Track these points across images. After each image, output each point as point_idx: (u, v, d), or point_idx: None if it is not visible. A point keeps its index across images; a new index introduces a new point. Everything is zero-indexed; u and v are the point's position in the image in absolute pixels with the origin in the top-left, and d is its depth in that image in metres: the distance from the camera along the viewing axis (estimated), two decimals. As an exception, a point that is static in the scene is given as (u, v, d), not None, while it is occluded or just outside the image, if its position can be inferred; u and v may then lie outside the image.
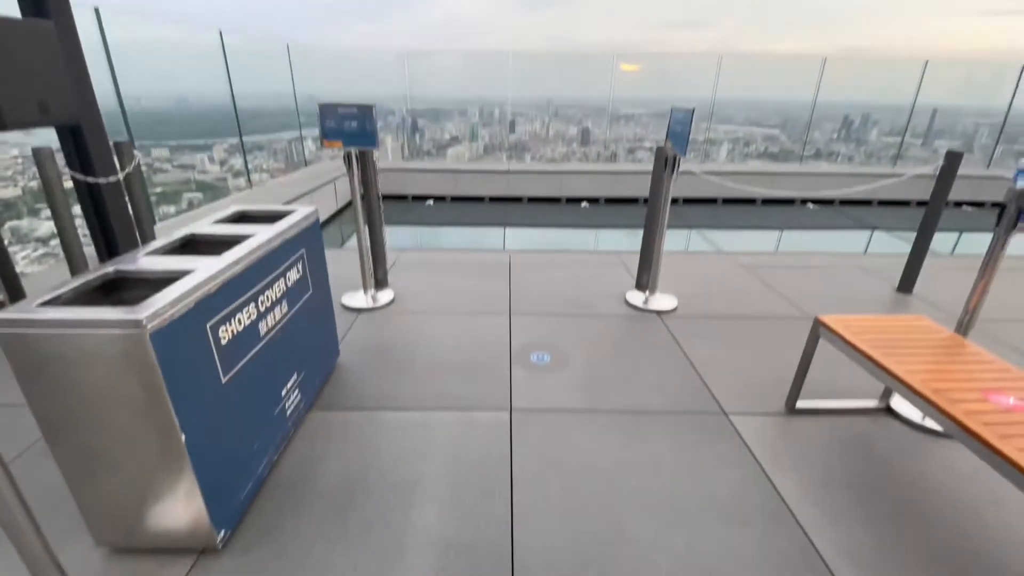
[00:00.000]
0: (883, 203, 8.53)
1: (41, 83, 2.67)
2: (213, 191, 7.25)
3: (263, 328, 1.55)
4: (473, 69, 11.51)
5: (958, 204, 8.54)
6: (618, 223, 7.71)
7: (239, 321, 1.41)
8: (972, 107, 11.87)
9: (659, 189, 2.90)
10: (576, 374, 2.28)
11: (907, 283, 3.24)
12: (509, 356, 2.42)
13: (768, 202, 8.50)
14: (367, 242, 2.97)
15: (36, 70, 2.63)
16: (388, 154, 10.68)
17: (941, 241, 4.93)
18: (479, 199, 8.87)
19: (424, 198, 8.87)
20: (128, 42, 4.84)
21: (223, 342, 1.33)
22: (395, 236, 6.54)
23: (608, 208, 8.67)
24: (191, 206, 6.76)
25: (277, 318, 1.64)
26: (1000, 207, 1.80)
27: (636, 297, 3.08)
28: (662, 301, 3.02)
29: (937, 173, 3.03)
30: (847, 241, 7.00)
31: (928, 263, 3.22)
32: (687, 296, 3.10)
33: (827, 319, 1.88)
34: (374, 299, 3.00)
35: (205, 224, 1.78)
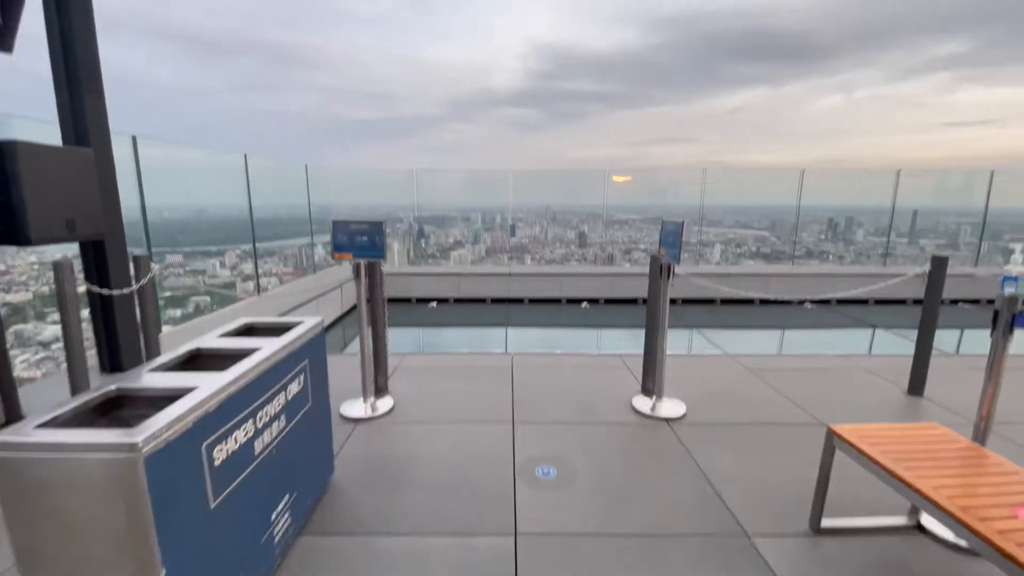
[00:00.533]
0: (879, 302, 8.66)
1: (72, 203, 2.89)
2: (220, 297, 7.43)
3: (259, 446, 1.50)
4: (476, 183, 12.43)
5: (954, 302, 8.66)
6: (619, 323, 7.77)
7: (235, 439, 1.37)
8: (951, 208, 12.55)
9: (656, 294, 2.97)
10: (585, 491, 2.16)
11: (916, 385, 3.18)
12: (513, 470, 2.31)
13: (766, 301, 8.64)
14: (370, 349, 2.98)
15: (69, 191, 2.86)
16: (395, 259, 11.12)
17: (943, 339, 4.94)
18: (481, 300, 9.04)
19: (428, 300, 9.05)
20: (158, 161, 5.27)
21: (217, 463, 1.28)
22: (398, 339, 6.58)
23: (608, 308, 8.79)
24: (198, 310, 6.87)
25: (274, 434, 1.60)
26: (995, 312, 1.84)
27: (643, 403, 3.01)
28: (670, 407, 2.94)
29: (927, 275, 3.13)
30: (848, 341, 6.99)
31: (935, 363, 3.19)
32: (695, 401, 3.04)
33: (841, 429, 1.83)
34: (373, 408, 2.93)
35: (211, 337, 1.80)
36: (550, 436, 2.64)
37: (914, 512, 1.93)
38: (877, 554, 1.77)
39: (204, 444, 1.23)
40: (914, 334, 3.22)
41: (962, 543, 1.77)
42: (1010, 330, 1.79)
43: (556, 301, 9.05)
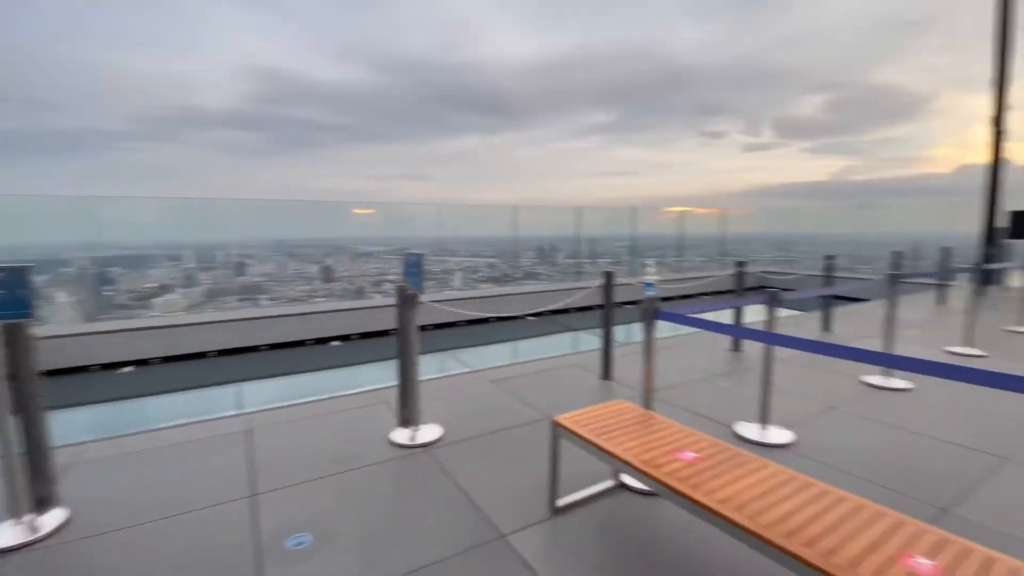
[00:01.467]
0: (579, 309, 10.90)
1: None
2: None
3: None
4: (186, 214, 10.38)
5: (621, 304, 11.58)
6: (374, 357, 7.58)
7: None
8: (615, 235, 16.78)
9: (404, 324, 3.03)
10: (346, 548, 2.00)
11: (607, 372, 4.09)
12: (257, 553, 1.96)
13: (501, 318, 9.83)
14: (16, 447, 2.12)
15: None
16: (60, 315, 8.25)
17: (621, 333, 6.49)
18: (200, 355, 7.52)
19: (119, 365, 7.00)
20: None
21: None
22: (72, 424, 4.87)
23: (362, 343, 8.50)
24: None
25: None
26: (642, 309, 2.52)
27: (402, 435, 2.99)
28: (428, 433, 3.01)
29: (603, 286, 4.09)
30: (561, 343, 8.52)
31: (617, 352, 4.17)
32: (451, 422, 3.19)
33: (561, 419, 2.19)
34: (32, 529, 2.08)
35: None
36: (302, 499, 2.36)
37: (616, 473, 2.46)
38: (599, 515, 2.18)
39: None
40: (601, 332, 4.15)
41: (648, 489, 2.34)
42: (652, 320, 2.48)
43: (301, 344, 8.26)
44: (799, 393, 3.69)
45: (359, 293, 11.75)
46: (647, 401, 2.53)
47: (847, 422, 3.19)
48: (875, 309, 6.94)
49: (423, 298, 3.02)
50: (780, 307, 3.14)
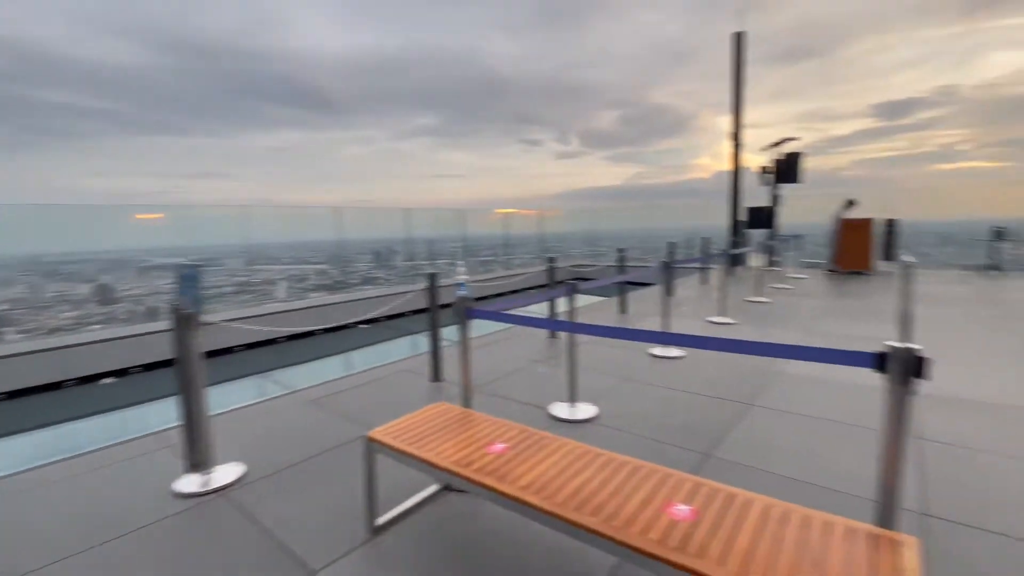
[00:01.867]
0: (414, 312, 10.73)
1: None
2: None
3: None
4: None
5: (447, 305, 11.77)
6: (158, 393, 6.31)
7: None
8: (450, 236, 16.98)
9: (183, 350, 2.55)
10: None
11: (436, 373, 4.07)
12: None
13: (329, 329, 9.11)
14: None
15: None
16: None
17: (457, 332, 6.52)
18: None
19: None
20: None
21: None
22: None
23: (145, 378, 7.05)
24: None
25: None
26: (456, 309, 2.54)
27: (190, 482, 2.52)
28: (224, 474, 2.59)
29: (429, 287, 4.05)
30: (395, 350, 8.26)
31: (446, 352, 4.17)
32: (256, 455, 2.80)
33: (375, 433, 2.08)
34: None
35: None
36: (35, 591, 1.81)
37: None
38: (423, 524, 2.12)
39: None
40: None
41: (466, 490, 2.36)
42: (464, 319, 2.51)
43: (56, 387, 6.51)
44: (602, 370, 4.16)
45: (152, 315, 9.74)
46: (467, 399, 2.56)
47: (638, 390, 3.69)
48: (658, 291, 8.26)
49: (212, 317, 2.59)
50: (582, 295, 3.50)
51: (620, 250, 6.68)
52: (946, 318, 5.71)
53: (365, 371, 4.49)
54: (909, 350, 1.35)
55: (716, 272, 10.23)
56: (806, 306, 6.83)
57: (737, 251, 10.20)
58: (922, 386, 3.64)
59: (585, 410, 3.29)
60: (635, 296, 7.85)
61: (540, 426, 3.10)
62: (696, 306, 7.08)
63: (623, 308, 6.88)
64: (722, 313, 6.13)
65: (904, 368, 1.35)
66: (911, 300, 6.45)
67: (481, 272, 15.69)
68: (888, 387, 1.40)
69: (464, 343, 2.55)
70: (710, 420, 3.13)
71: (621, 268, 6.62)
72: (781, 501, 1.47)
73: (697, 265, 9.93)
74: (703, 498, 1.51)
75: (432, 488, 2.36)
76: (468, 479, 1.69)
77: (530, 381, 4.00)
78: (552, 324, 3.91)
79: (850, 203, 10.12)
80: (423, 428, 2.14)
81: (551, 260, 5.59)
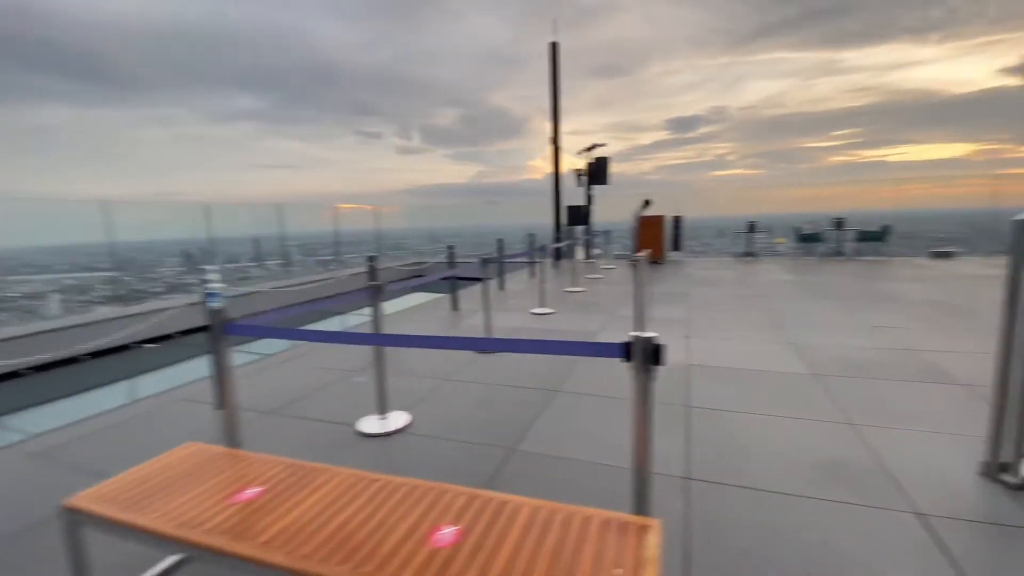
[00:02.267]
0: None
1: None
2: None
3: None
4: None
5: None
6: None
7: None
8: (284, 234, 15.20)
9: None
10: None
11: (222, 400, 3.44)
12: None
13: (96, 354, 7.33)
14: None
15: None
16: None
17: (264, 345, 5.75)
18: None
19: None
20: None
21: None
22: None
23: None
24: None
25: None
26: (208, 326, 2.09)
27: None
28: None
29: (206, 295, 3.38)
30: (181, 373, 7.00)
31: (256, 366, 3.55)
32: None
33: (78, 499, 1.56)
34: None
35: None
36: None
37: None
38: (159, 603, 1.67)
39: None
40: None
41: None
42: (223, 337, 2.08)
43: None
44: (421, 372, 3.99)
45: None
46: (232, 434, 2.14)
47: (457, 389, 3.61)
48: (491, 286, 8.44)
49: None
50: (419, 293, 3.25)
51: (449, 247, 6.61)
52: (713, 297, 6.86)
53: (127, 406, 3.61)
54: (648, 340, 1.42)
55: (543, 266, 10.90)
56: (612, 293, 7.61)
57: (559, 245, 10.99)
58: (692, 358, 4.29)
59: (396, 420, 3.07)
60: (468, 293, 7.88)
61: (344, 446, 2.80)
62: (523, 299, 7.37)
63: (455, 305, 6.82)
64: (543, 304, 6.46)
65: (644, 356, 1.42)
66: (647, 298, 7.63)
67: (319, 272, 14.37)
68: (633, 374, 1.46)
69: (222, 366, 2.12)
70: (520, 412, 3.16)
71: (451, 264, 6.56)
72: (548, 502, 1.44)
73: (526, 260, 10.44)
74: (473, 513, 1.40)
75: (171, 559, 1.89)
76: (192, 544, 1.34)
77: (343, 395, 3.63)
78: (327, 336, 3.59)
79: (646, 203, 11.65)
80: (156, 481, 1.69)
81: (371, 260, 5.22)
